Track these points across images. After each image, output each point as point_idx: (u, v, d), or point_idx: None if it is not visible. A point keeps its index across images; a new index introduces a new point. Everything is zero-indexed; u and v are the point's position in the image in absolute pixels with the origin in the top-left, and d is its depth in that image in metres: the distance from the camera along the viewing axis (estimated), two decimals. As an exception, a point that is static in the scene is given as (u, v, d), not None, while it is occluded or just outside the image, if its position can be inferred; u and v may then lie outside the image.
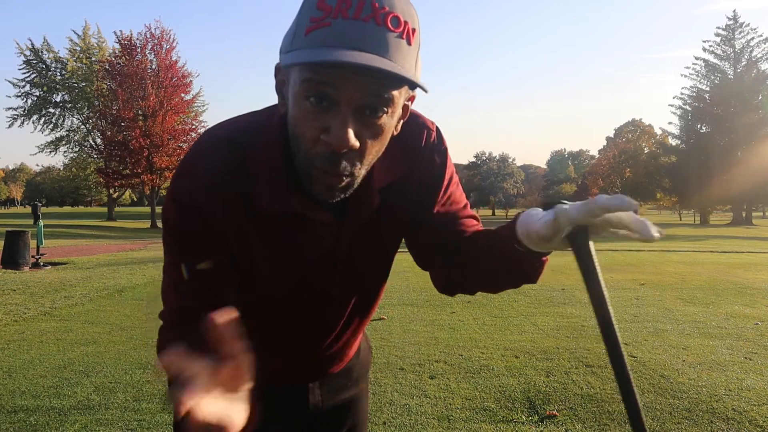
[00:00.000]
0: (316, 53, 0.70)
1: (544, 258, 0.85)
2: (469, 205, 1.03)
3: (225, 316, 0.55)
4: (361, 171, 0.79)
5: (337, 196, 0.81)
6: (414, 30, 0.74)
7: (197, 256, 0.85)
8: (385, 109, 0.75)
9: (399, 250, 1.03)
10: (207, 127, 1.00)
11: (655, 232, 0.67)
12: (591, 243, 0.70)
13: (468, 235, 0.97)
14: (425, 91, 0.77)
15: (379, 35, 0.70)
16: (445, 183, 0.96)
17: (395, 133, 0.84)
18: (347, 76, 0.71)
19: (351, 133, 0.73)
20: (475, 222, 1.01)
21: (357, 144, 0.75)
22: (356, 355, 1.20)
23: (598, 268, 0.69)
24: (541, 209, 0.77)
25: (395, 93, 0.75)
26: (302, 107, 0.75)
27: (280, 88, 0.82)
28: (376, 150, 0.79)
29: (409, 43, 0.73)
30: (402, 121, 0.85)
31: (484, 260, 0.91)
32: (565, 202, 0.72)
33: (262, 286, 0.93)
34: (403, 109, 0.83)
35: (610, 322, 0.67)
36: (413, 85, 0.72)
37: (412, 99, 0.85)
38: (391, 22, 0.71)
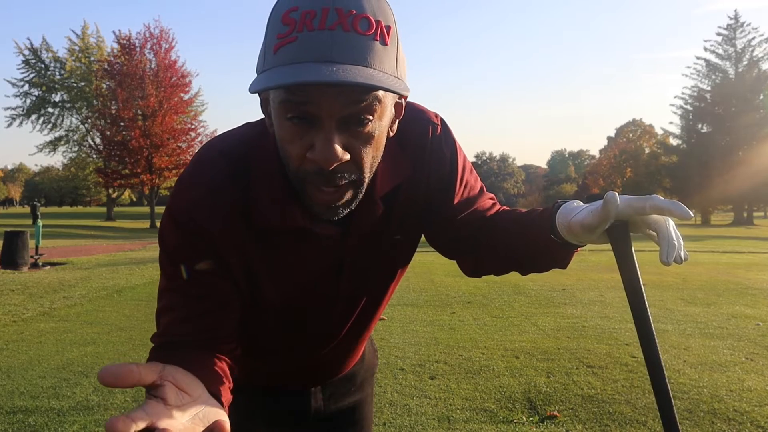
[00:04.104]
0: (285, 73, 0.67)
1: (576, 249, 0.83)
2: (485, 188, 1.00)
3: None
4: (362, 180, 0.77)
5: (341, 213, 0.78)
6: (389, 27, 0.71)
7: (194, 279, 0.82)
8: (370, 116, 0.72)
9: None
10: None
11: (670, 258, 0.68)
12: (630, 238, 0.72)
13: (493, 220, 0.95)
14: (401, 94, 0.73)
15: (349, 42, 0.67)
16: (460, 174, 0.94)
17: (391, 134, 0.82)
18: (322, 90, 0.68)
19: (337, 148, 0.70)
20: (494, 204, 1.00)
21: (346, 157, 0.72)
22: (360, 360, 1.18)
23: (637, 263, 0.70)
24: (581, 202, 0.77)
25: (377, 97, 0.72)
26: (284, 127, 0.73)
27: (265, 107, 0.79)
28: (371, 157, 0.76)
29: (384, 42, 0.70)
30: (398, 120, 0.83)
31: (513, 245, 0.89)
32: (615, 193, 0.73)
33: (265, 299, 0.91)
34: (396, 108, 0.80)
35: (648, 320, 0.68)
36: (389, 90, 0.69)
37: (405, 97, 0.82)
38: (361, 25, 0.68)
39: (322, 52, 0.67)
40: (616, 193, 0.70)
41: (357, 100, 0.70)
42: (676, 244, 0.69)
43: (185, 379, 0.63)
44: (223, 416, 0.63)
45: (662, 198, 0.69)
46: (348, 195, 0.77)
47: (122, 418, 0.50)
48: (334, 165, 0.71)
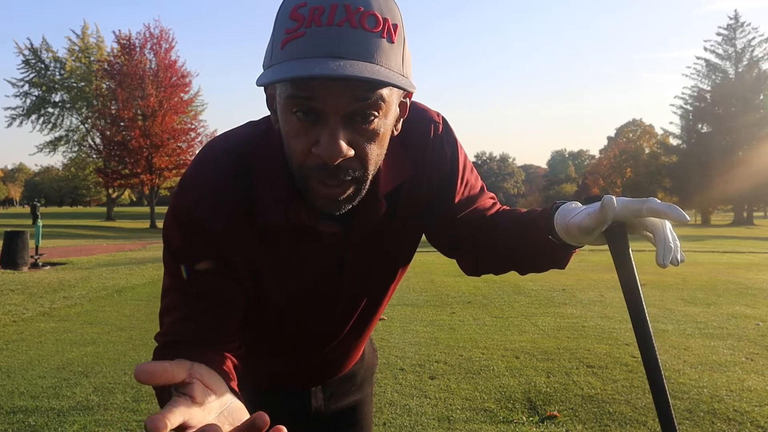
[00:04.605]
0: (292, 67, 0.67)
1: (575, 249, 0.84)
2: (485, 187, 1.01)
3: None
4: (365, 177, 0.77)
5: (343, 208, 0.78)
6: (396, 26, 0.72)
7: (197, 278, 0.82)
8: (376, 113, 0.72)
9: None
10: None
11: (666, 261, 0.68)
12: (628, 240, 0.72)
13: (493, 220, 0.95)
14: (407, 90, 0.74)
15: (356, 38, 0.68)
16: (460, 173, 0.94)
17: (395, 132, 0.81)
18: (328, 86, 0.68)
19: (342, 143, 0.71)
20: (495, 203, 1.00)
21: (350, 153, 0.72)
22: (360, 360, 1.18)
23: (634, 264, 0.71)
24: (579, 203, 0.78)
25: (382, 94, 0.72)
26: (290, 122, 0.73)
27: (271, 103, 0.79)
28: (376, 154, 0.76)
29: (391, 40, 0.71)
30: (402, 120, 0.83)
31: (513, 245, 0.90)
32: (612, 197, 0.74)
33: (268, 299, 0.91)
34: (400, 107, 0.80)
35: (645, 321, 0.68)
36: (396, 86, 0.69)
37: (409, 95, 0.82)
38: (368, 22, 0.68)
39: (330, 48, 0.67)
40: (613, 197, 0.71)
41: (363, 96, 0.70)
42: (673, 246, 0.69)
43: (209, 375, 0.65)
44: (246, 413, 0.65)
45: (659, 201, 0.69)
46: (350, 190, 0.77)
47: (161, 417, 0.52)
48: (339, 160, 0.72)
